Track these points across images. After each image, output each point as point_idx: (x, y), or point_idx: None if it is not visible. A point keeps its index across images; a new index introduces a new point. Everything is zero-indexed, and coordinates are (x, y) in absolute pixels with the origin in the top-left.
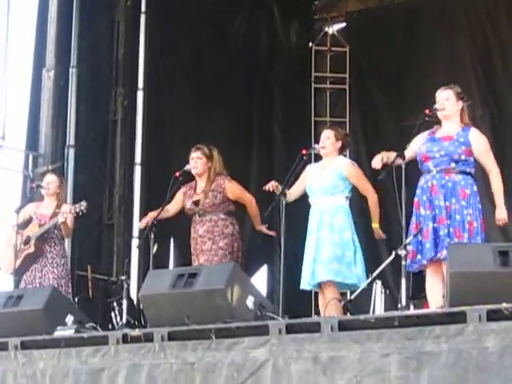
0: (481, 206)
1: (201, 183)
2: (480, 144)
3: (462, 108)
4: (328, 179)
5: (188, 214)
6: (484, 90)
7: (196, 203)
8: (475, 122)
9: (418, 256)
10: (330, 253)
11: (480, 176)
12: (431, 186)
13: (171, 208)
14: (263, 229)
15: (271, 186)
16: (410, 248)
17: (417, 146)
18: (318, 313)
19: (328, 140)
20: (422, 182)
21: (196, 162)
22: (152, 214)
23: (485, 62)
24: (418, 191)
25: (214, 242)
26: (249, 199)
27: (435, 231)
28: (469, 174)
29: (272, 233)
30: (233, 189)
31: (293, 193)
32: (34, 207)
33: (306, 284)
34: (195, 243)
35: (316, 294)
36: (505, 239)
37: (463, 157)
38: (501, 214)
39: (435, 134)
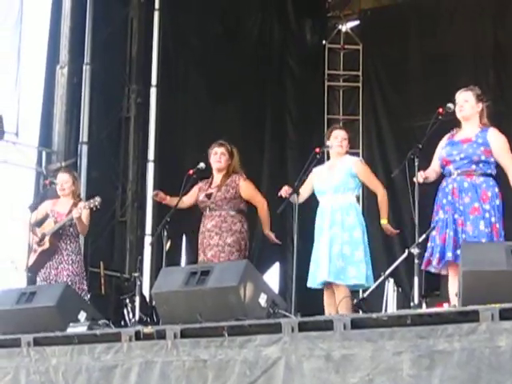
0: (502, 207)
1: (217, 178)
2: (498, 143)
3: (482, 109)
4: (338, 177)
5: (200, 208)
6: (495, 86)
7: (208, 196)
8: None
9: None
10: (339, 252)
11: None
12: (452, 189)
13: (185, 199)
14: (271, 235)
15: (284, 191)
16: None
17: (438, 153)
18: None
19: (345, 141)
20: (443, 184)
21: (220, 157)
22: (163, 196)
23: (498, 59)
24: (440, 194)
25: (221, 238)
26: (261, 202)
27: (455, 233)
28: (490, 175)
29: (277, 241)
30: (246, 188)
31: (302, 194)
32: (51, 205)
33: (314, 282)
34: (203, 237)
35: None
36: None
37: (483, 157)
38: None
39: (454, 137)
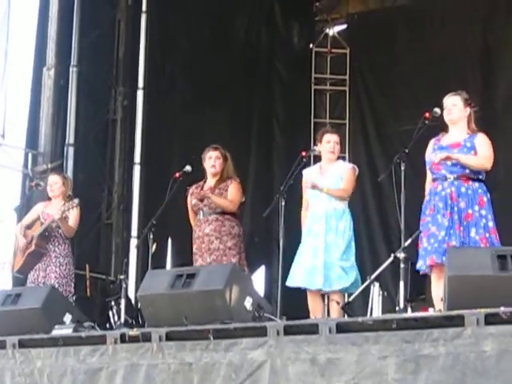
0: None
1: (210, 182)
2: (484, 146)
3: (469, 114)
4: (331, 183)
5: (193, 213)
6: (483, 91)
7: (201, 200)
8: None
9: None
10: (338, 259)
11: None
12: (450, 193)
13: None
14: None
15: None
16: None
17: (427, 159)
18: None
19: (338, 146)
20: (438, 188)
21: (215, 161)
22: None
23: (484, 64)
24: (435, 197)
25: (222, 242)
26: (233, 202)
27: (449, 237)
28: (482, 181)
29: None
30: (232, 187)
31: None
32: (42, 207)
33: (296, 282)
34: (200, 242)
35: None
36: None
37: None
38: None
39: (441, 141)
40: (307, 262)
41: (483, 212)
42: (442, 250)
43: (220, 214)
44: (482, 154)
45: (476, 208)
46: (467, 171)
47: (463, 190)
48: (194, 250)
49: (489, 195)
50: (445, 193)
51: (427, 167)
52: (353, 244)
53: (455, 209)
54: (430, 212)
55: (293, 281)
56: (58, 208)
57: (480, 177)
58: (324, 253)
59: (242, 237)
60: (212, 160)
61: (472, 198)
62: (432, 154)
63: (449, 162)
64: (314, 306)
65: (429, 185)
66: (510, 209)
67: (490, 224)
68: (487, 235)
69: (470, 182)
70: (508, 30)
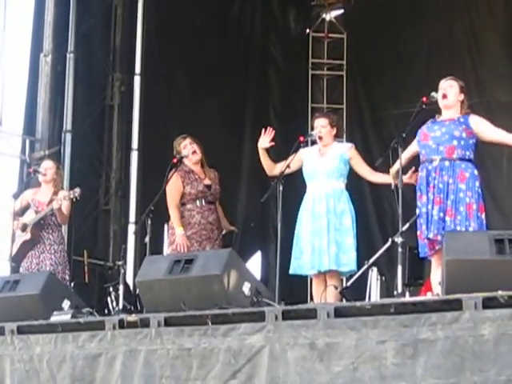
0: (481, 190)
1: (198, 169)
2: (483, 123)
3: (463, 101)
4: (332, 163)
5: (192, 198)
6: (481, 77)
7: (208, 187)
8: (472, 110)
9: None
10: (334, 238)
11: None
12: (434, 168)
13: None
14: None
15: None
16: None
17: (418, 133)
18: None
19: (324, 129)
20: (423, 172)
21: (193, 147)
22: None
23: (482, 48)
24: (423, 176)
25: (220, 233)
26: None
27: (431, 211)
28: (469, 160)
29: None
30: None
31: (292, 167)
32: (32, 194)
33: (302, 270)
34: (201, 228)
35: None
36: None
37: (464, 135)
38: None
39: (435, 119)
40: (313, 245)
41: (462, 186)
42: (429, 225)
43: (215, 204)
44: (502, 132)
45: (450, 181)
46: (454, 142)
47: (447, 163)
48: (189, 234)
49: (476, 172)
50: (431, 166)
51: (416, 144)
52: (352, 226)
53: (435, 182)
54: (420, 193)
55: (300, 269)
56: (59, 196)
57: (467, 153)
58: (327, 233)
59: None
60: (191, 148)
61: (452, 171)
62: (424, 126)
63: (438, 133)
64: (319, 290)
65: (405, 157)
66: None
67: (467, 200)
68: (461, 209)
69: (454, 156)
70: (507, 11)
